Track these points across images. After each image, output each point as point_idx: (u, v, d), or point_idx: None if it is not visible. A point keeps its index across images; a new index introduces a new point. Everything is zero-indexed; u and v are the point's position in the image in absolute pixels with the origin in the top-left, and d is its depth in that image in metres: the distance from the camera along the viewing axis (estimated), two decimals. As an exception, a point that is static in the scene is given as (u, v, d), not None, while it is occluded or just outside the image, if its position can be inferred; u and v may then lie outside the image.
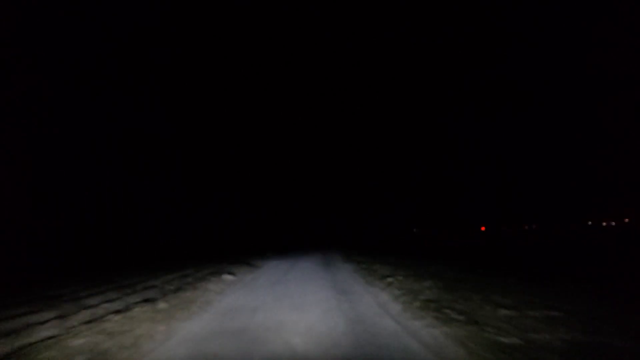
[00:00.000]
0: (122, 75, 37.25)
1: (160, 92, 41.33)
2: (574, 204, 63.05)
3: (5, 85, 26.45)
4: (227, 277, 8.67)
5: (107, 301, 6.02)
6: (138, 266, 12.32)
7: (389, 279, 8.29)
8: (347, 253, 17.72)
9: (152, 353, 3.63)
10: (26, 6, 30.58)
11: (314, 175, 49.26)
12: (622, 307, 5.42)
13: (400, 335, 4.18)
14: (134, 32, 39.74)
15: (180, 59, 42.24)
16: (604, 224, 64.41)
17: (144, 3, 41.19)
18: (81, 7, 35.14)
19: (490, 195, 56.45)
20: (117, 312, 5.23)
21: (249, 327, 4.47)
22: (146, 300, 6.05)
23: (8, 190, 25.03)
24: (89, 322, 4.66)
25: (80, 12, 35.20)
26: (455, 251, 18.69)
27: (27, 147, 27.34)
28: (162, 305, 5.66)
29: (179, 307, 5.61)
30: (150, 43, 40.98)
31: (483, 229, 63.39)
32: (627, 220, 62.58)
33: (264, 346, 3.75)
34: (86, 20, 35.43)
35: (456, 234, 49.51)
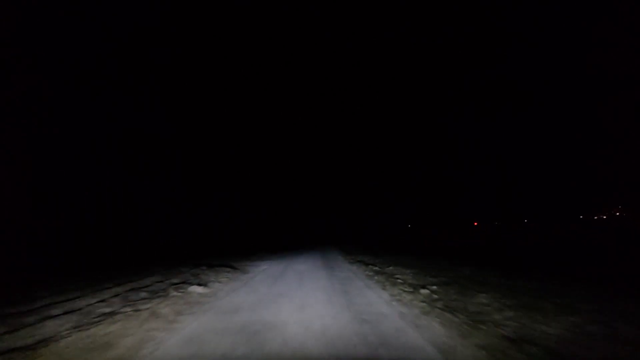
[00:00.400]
0: (122, 75, 34.75)
1: (160, 92, 38.83)
2: (566, 201, 60.78)
3: (5, 85, 24.08)
4: (195, 291, 5.82)
5: (-47, 348, 3.20)
6: (106, 270, 9.45)
7: (423, 291, 5.46)
8: (350, 253, 14.89)
9: None
10: (26, 6, 28.09)
11: (313, 175, 46.51)
12: None
13: None
14: (134, 32, 37.29)
15: (180, 59, 39.76)
16: (595, 217, 62.59)
17: (144, 3, 38.75)
18: (81, 7, 32.67)
19: (489, 194, 53.75)
20: None
21: None
22: (22, 348, 3.23)
23: (8, 190, 22.70)
24: None
25: (80, 12, 32.71)
26: (459, 251, 16.02)
27: (27, 147, 24.90)
28: (36, 361, 2.85)
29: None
30: (150, 43, 38.52)
31: (476, 224, 60.96)
32: (617, 213, 60.65)
33: None
34: (86, 20, 32.96)
35: (456, 233, 46.74)
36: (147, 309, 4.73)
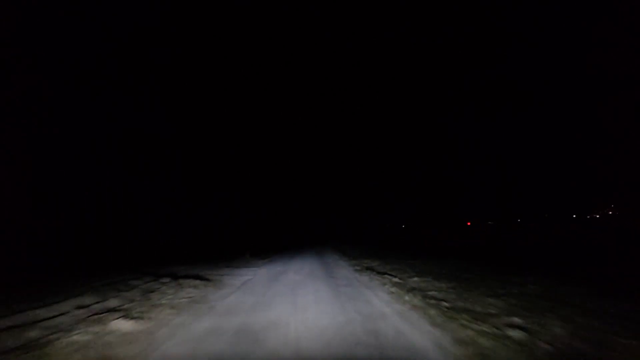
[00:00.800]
0: (122, 75, 32.48)
1: (160, 92, 36.57)
2: (560, 201, 58.52)
3: (5, 85, 21.87)
4: (118, 329, 3.28)
5: None
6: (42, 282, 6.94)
7: (514, 333, 2.89)
8: (353, 256, 12.25)
9: None
10: (26, 6, 25.86)
11: (313, 175, 43.99)
12: None
13: None
14: (134, 32, 35.07)
15: (181, 59, 37.54)
16: (588, 217, 60.51)
17: (144, 3, 36.57)
18: (81, 7, 30.46)
19: (488, 194, 51.17)
20: None
21: None
22: None
23: (8, 190, 20.46)
24: None
25: (80, 12, 30.49)
26: (466, 251, 13.60)
27: (27, 147, 22.63)
28: None
29: None
30: (150, 43, 36.30)
31: (469, 223, 58.60)
32: (610, 212, 58.50)
33: None
34: (86, 20, 30.75)
35: (455, 233, 43.98)
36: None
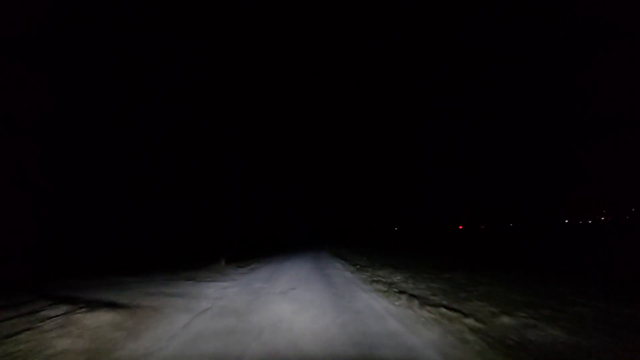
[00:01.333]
0: (121, 76, 29.50)
1: (159, 92, 33.63)
2: (553, 206, 56.83)
3: (5, 85, 19.13)
4: None
5: None
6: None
7: None
8: (360, 264, 8.98)
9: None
10: (26, 6, 23.03)
11: (312, 176, 41.04)
12: None
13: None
14: (133, 32, 32.23)
15: (180, 59, 34.79)
16: (580, 222, 59.42)
17: (147, 3, 33.76)
18: (81, 7, 27.67)
19: (482, 197, 48.90)
20: None
21: None
22: None
23: (8, 190, 17.81)
24: None
25: (81, 11, 27.69)
26: (481, 255, 10.87)
27: (26, 147, 19.86)
28: None
29: None
30: (149, 43, 33.49)
31: (461, 227, 56.88)
32: (602, 218, 57.11)
33: None
34: (86, 20, 27.98)
35: (453, 235, 41.27)
36: None
